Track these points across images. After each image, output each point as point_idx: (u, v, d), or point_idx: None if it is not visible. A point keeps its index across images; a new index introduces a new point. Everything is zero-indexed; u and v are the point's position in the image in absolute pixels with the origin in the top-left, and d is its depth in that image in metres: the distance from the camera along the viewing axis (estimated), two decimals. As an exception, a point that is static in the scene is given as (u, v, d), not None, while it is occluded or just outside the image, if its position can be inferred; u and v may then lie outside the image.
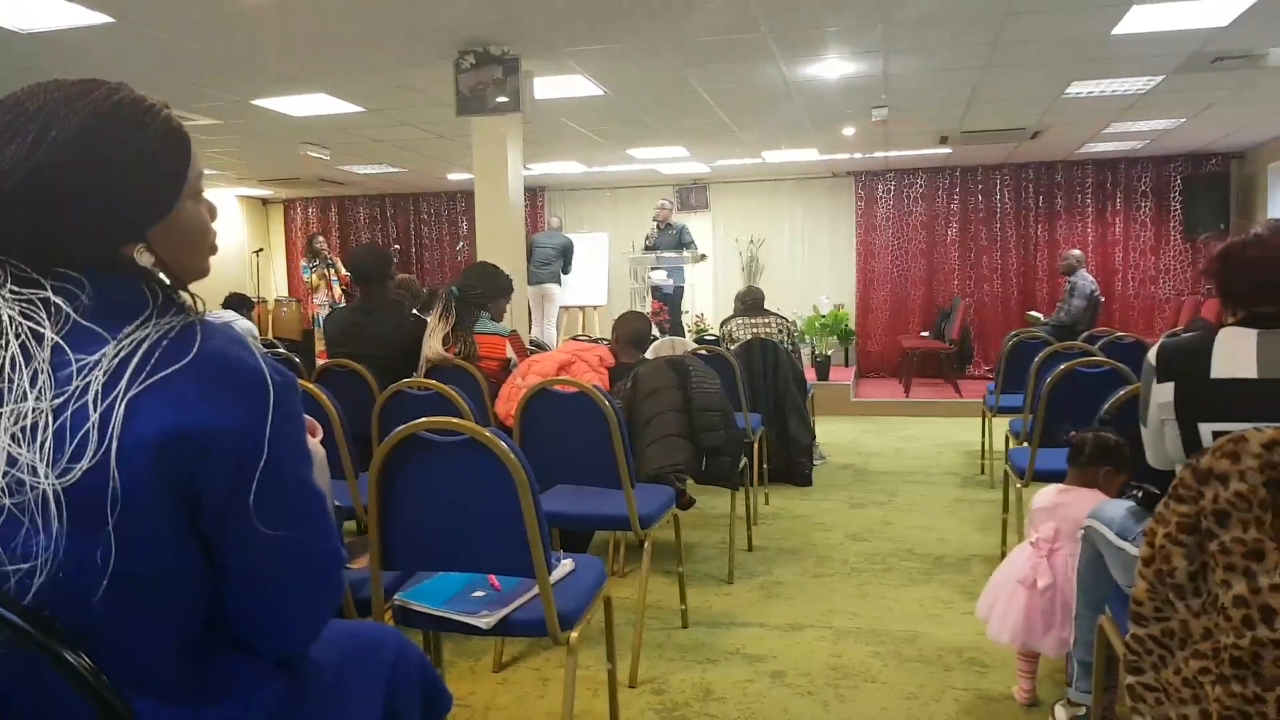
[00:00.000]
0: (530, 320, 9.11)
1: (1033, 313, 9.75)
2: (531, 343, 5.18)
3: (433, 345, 3.91)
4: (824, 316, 10.17)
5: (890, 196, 11.09)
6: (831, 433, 7.42)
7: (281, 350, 4.85)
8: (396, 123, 7.75)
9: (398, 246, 12.51)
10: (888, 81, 6.47)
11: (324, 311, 10.58)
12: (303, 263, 11.29)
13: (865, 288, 11.21)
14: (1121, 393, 2.84)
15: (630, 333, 4.03)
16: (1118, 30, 5.23)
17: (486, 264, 4.53)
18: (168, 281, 1.10)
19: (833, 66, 6.06)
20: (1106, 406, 2.84)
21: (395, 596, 2.15)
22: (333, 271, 10.88)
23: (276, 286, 13.18)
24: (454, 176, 11.13)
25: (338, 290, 10.88)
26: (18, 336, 0.98)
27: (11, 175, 0.99)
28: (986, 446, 5.87)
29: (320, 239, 11.26)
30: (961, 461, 6.34)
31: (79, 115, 1.02)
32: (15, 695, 0.99)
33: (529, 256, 8.24)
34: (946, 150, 9.61)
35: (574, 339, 5.29)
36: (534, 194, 12.01)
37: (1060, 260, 8.85)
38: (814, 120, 7.86)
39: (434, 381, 3.20)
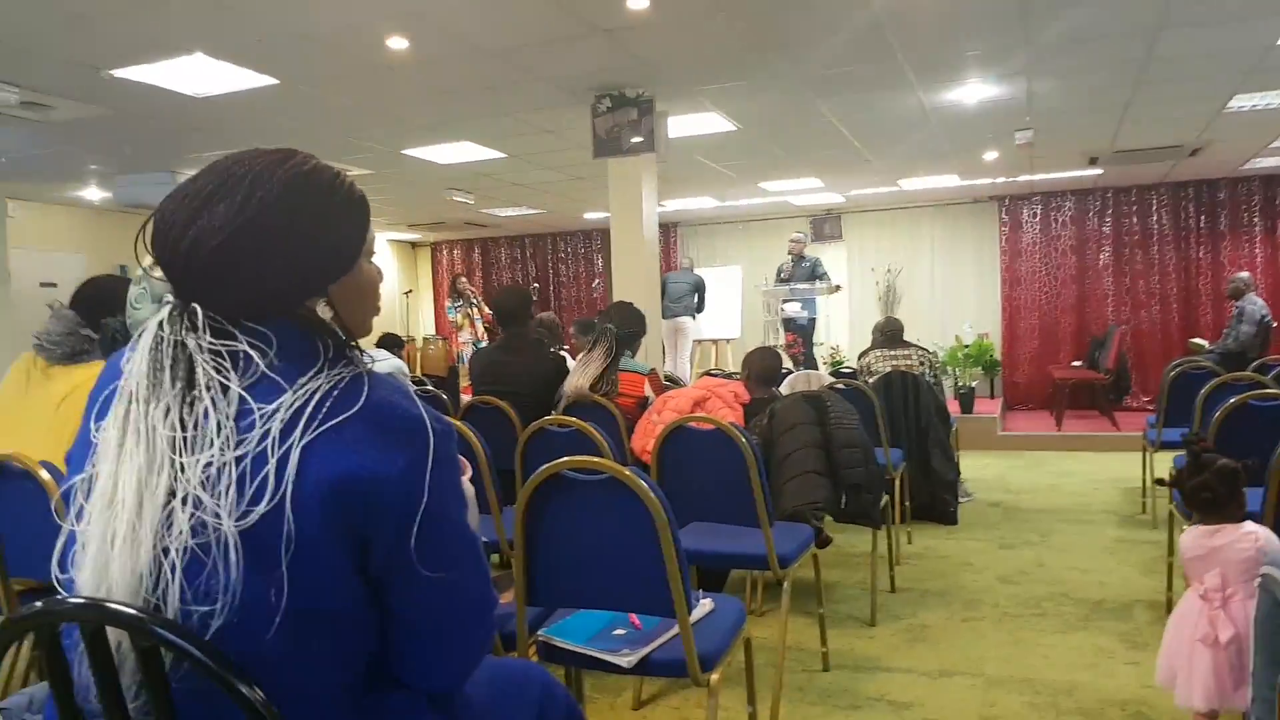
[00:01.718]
0: (664, 354, 9.18)
1: (1196, 340, 9.15)
2: (665, 377, 5.23)
3: (577, 382, 3.96)
4: (967, 346, 9.83)
5: (1036, 220, 10.67)
6: (978, 468, 7.15)
7: (429, 387, 5.05)
8: (536, 166, 8.02)
9: (536, 285, 12.88)
10: (1032, 103, 6.26)
11: (468, 349, 10.98)
12: (448, 303, 11.76)
13: (1011, 316, 10.78)
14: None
15: (760, 369, 4.01)
16: (1285, 39, 4.92)
17: (626, 303, 4.62)
18: (341, 335, 1.17)
19: (973, 91, 5.92)
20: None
21: (539, 632, 2.19)
22: (476, 310, 11.28)
23: (424, 325, 13.76)
24: (590, 215, 11.40)
25: (480, 328, 11.27)
26: (209, 388, 1.07)
27: (221, 231, 1.09)
28: (1148, 483, 5.52)
29: (464, 280, 11.70)
30: (1120, 499, 5.98)
31: (280, 180, 1.13)
32: None
33: (662, 293, 8.33)
34: (1097, 171, 9.19)
35: (708, 374, 5.30)
36: (666, 230, 12.15)
37: (1226, 283, 8.30)
38: (954, 145, 7.68)
39: (575, 419, 3.27)
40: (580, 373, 3.99)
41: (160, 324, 1.11)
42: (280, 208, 1.11)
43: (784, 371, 5.22)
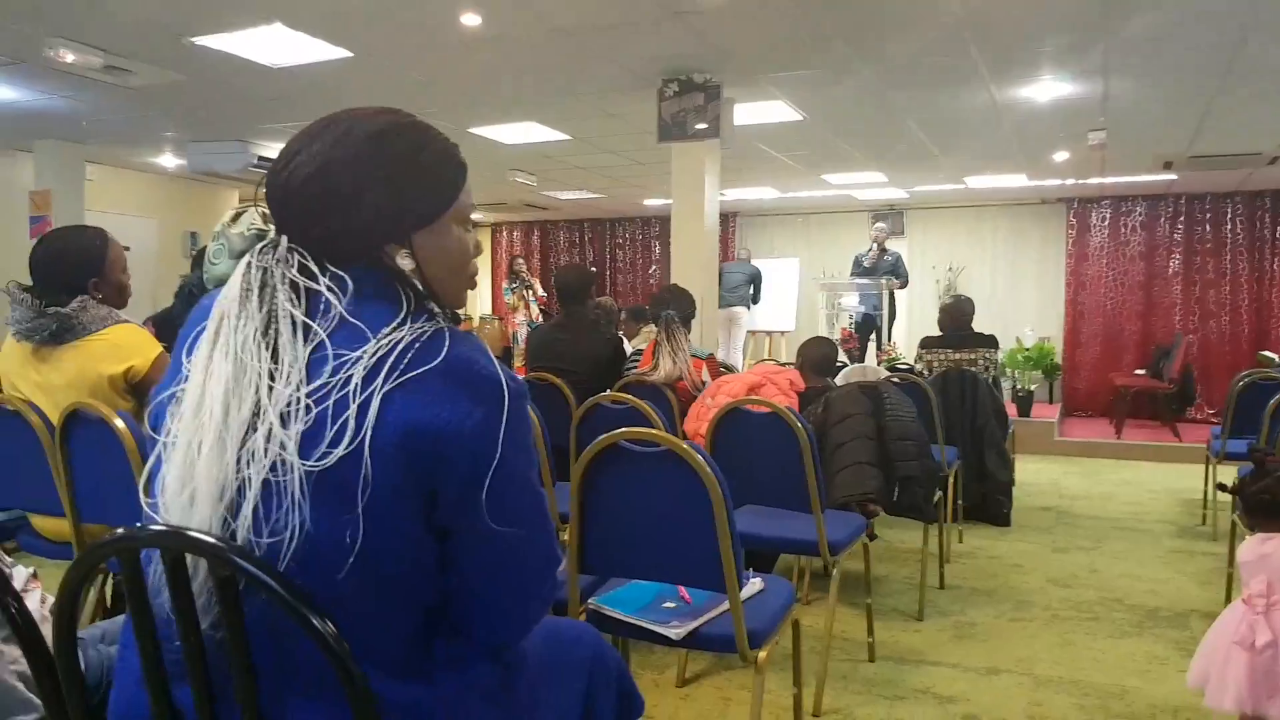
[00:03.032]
0: (717, 343, 9.17)
1: (1266, 353, 8.87)
2: (721, 365, 5.22)
3: (671, 369, 4.01)
4: (1027, 349, 9.66)
5: (1105, 224, 10.43)
6: (1032, 472, 7.04)
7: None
8: (599, 150, 8.04)
9: (594, 269, 12.93)
10: (1106, 103, 6.12)
11: (523, 330, 11.07)
12: (505, 284, 11.87)
13: (1074, 320, 10.56)
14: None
15: (817, 357, 3.98)
16: (1379, 44, 4.74)
17: (678, 286, 4.63)
18: (420, 288, 1.21)
19: (1047, 88, 5.80)
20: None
21: (590, 600, 2.22)
22: (530, 292, 11.37)
23: (481, 305, 13.90)
24: (650, 202, 11.40)
25: (535, 310, 11.35)
26: (288, 322, 1.11)
27: (315, 160, 1.16)
28: (1210, 495, 5.39)
29: (521, 261, 11.80)
30: (1179, 510, 5.85)
31: (378, 124, 1.20)
32: (259, 656, 1.10)
33: (719, 282, 8.29)
34: (1170, 176, 8.94)
35: (761, 362, 5.29)
36: (725, 220, 12.09)
37: (1302, 296, 8.04)
38: (1023, 144, 7.53)
39: (630, 396, 3.29)
40: (672, 358, 4.02)
41: (255, 252, 1.17)
42: (372, 143, 1.17)
43: (839, 364, 5.17)
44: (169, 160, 8.98)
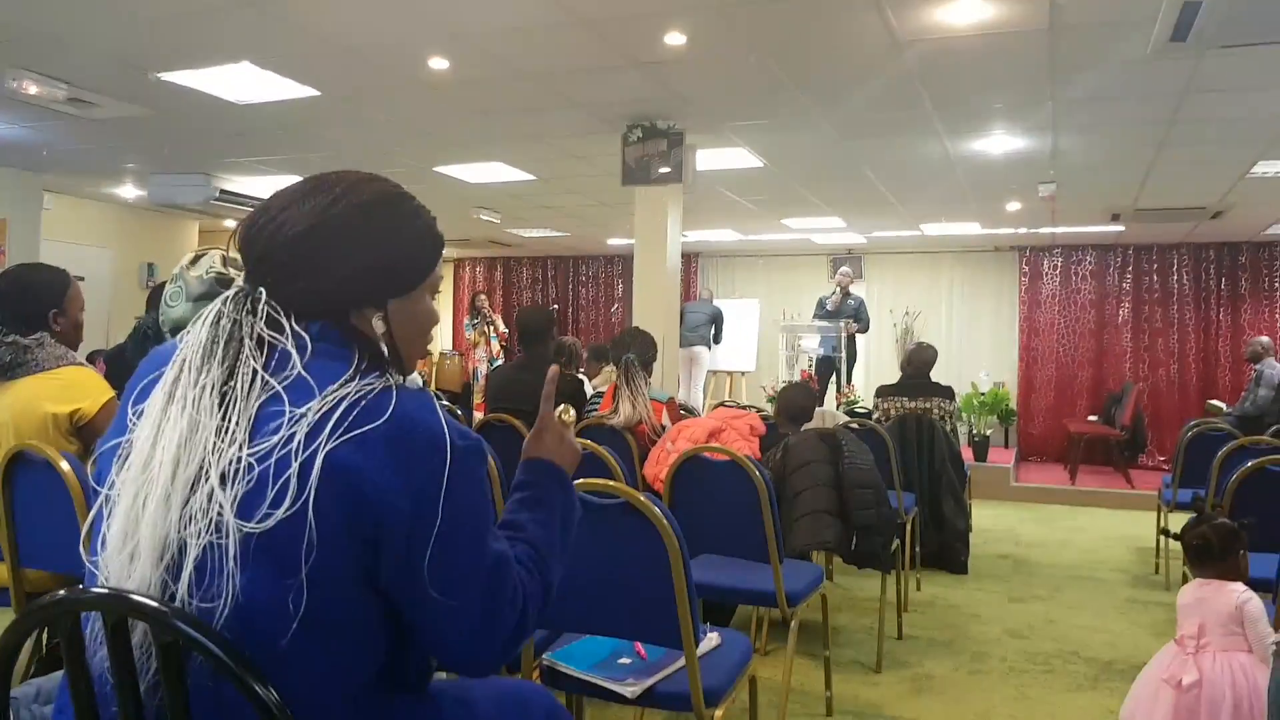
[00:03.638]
0: (679, 383, 9.19)
1: (1214, 401, 9.09)
2: (681, 407, 5.23)
3: (632, 413, 3.97)
4: (983, 394, 9.79)
5: (1056, 273, 10.67)
6: (990, 518, 7.10)
7: (444, 402, 5.06)
8: (564, 190, 8.08)
9: (556, 306, 12.93)
10: (1056, 157, 6.29)
11: (483, 367, 11.01)
12: (466, 320, 11.81)
13: (1028, 366, 10.75)
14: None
15: (795, 410, 3.96)
16: (1314, 107, 4.93)
17: (640, 330, 4.64)
18: (383, 350, 1.22)
19: (999, 142, 5.95)
20: None
21: (543, 656, 2.19)
22: (492, 329, 11.33)
23: (441, 341, 13.81)
24: (613, 241, 11.45)
25: (496, 346, 11.31)
26: (244, 379, 1.10)
27: (305, 220, 1.18)
28: (1163, 544, 5.47)
29: (483, 297, 11.77)
30: (1133, 559, 5.93)
31: (370, 193, 1.22)
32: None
33: (680, 321, 8.33)
34: (1119, 228, 9.19)
35: (722, 404, 5.30)
36: (687, 260, 12.18)
37: (1245, 347, 8.26)
38: (977, 194, 7.70)
39: (589, 442, 3.27)
40: (631, 402, 3.99)
41: (225, 301, 1.17)
42: (362, 214, 1.20)
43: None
44: (129, 191, 8.86)
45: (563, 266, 13.38)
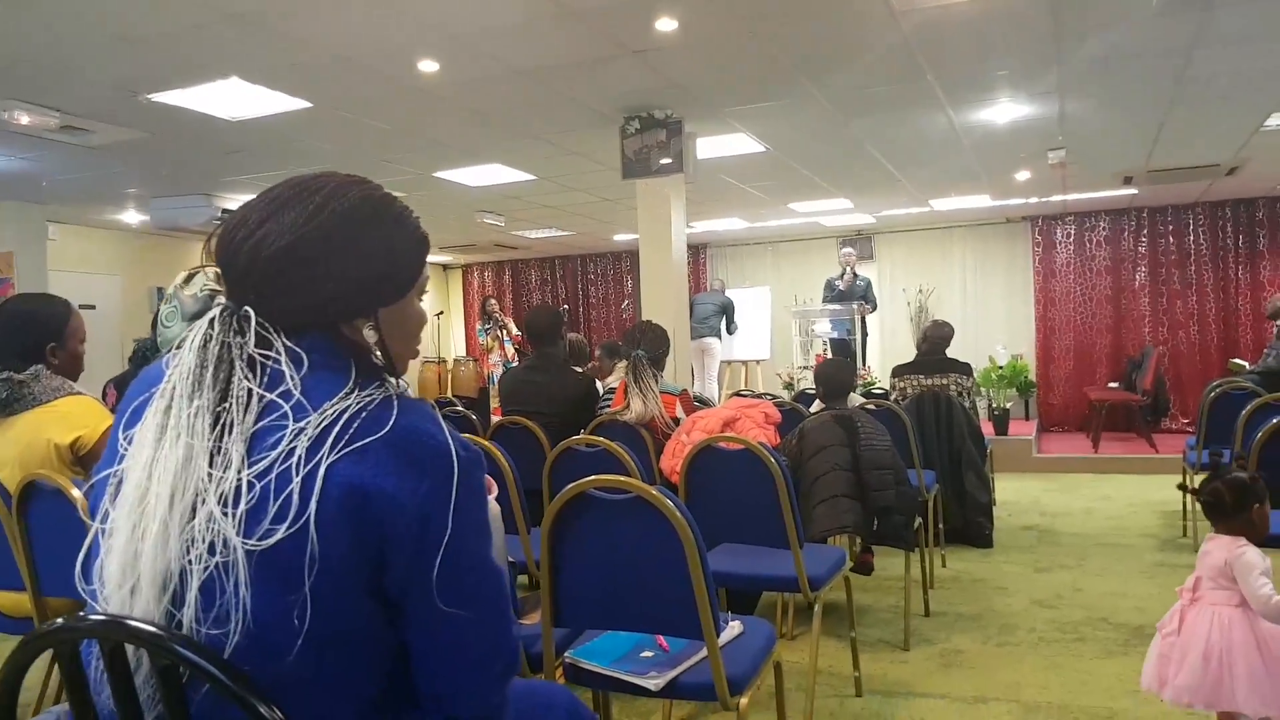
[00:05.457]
0: (692, 376, 9.15)
1: (1236, 360, 8.96)
2: (695, 398, 5.19)
3: (644, 410, 3.94)
4: (1001, 368, 9.71)
5: (1070, 241, 10.56)
6: (1012, 491, 7.04)
7: (460, 408, 5.06)
8: (565, 188, 8.05)
9: (566, 306, 12.91)
10: (1064, 123, 6.20)
11: (499, 370, 11.01)
12: (478, 325, 11.82)
13: (1045, 337, 10.65)
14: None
15: (826, 381, 3.94)
16: (1324, 54, 4.83)
17: (650, 323, 4.60)
18: (379, 359, 1.19)
19: (1004, 110, 5.87)
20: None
21: (566, 654, 2.17)
22: (504, 332, 11.33)
23: (455, 347, 13.84)
24: (619, 237, 11.43)
25: (510, 350, 11.31)
26: (239, 399, 1.07)
27: (287, 234, 1.12)
28: (1189, 507, 5.40)
29: (493, 302, 11.77)
30: (1159, 523, 5.86)
31: (353, 199, 1.16)
32: None
33: (690, 313, 8.29)
34: (1131, 191, 9.08)
35: (737, 394, 5.27)
36: (695, 251, 12.14)
37: (1266, 303, 8.13)
38: (985, 165, 7.62)
39: (602, 439, 3.25)
40: (642, 399, 3.95)
41: (211, 322, 1.12)
42: (347, 223, 1.14)
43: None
44: (132, 216, 8.90)
45: (570, 266, 13.37)
